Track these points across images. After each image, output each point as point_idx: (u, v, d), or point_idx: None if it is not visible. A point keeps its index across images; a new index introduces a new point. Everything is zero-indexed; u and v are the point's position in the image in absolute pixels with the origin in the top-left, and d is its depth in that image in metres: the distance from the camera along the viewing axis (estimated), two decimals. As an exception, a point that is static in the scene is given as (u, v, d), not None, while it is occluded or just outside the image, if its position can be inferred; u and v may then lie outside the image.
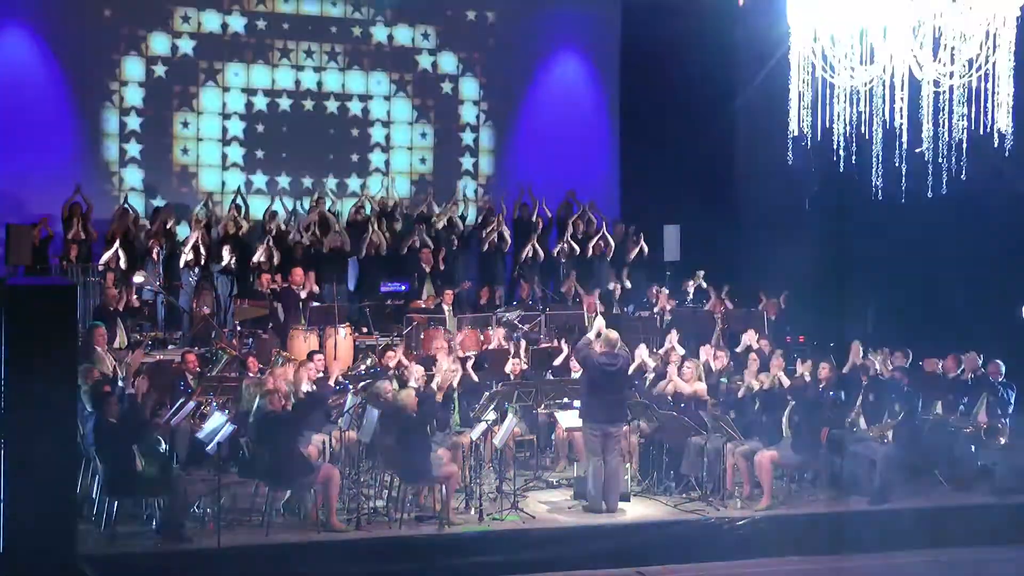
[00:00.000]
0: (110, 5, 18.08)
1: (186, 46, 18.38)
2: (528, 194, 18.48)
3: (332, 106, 19.00)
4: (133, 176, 18.18)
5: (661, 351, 13.64)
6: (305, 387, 11.92)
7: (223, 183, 18.48)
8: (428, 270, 16.90)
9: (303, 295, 15.41)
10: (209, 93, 18.50)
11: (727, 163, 19.78)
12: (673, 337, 13.84)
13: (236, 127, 18.61)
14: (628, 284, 17.49)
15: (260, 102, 18.66)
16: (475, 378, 12.99)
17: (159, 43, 18.27)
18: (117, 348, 13.84)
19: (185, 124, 18.41)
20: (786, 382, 12.31)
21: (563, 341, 14.24)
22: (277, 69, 18.70)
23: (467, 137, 19.69)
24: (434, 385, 12.00)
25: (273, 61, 18.67)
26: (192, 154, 18.46)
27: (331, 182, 18.79)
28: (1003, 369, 12.78)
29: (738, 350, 14.13)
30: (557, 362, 13.74)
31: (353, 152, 19.09)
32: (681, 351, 13.38)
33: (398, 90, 19.30)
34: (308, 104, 18.84)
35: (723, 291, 16.76)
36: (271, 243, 16.51)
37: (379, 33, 19.21)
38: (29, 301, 9.30)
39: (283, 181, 18.65)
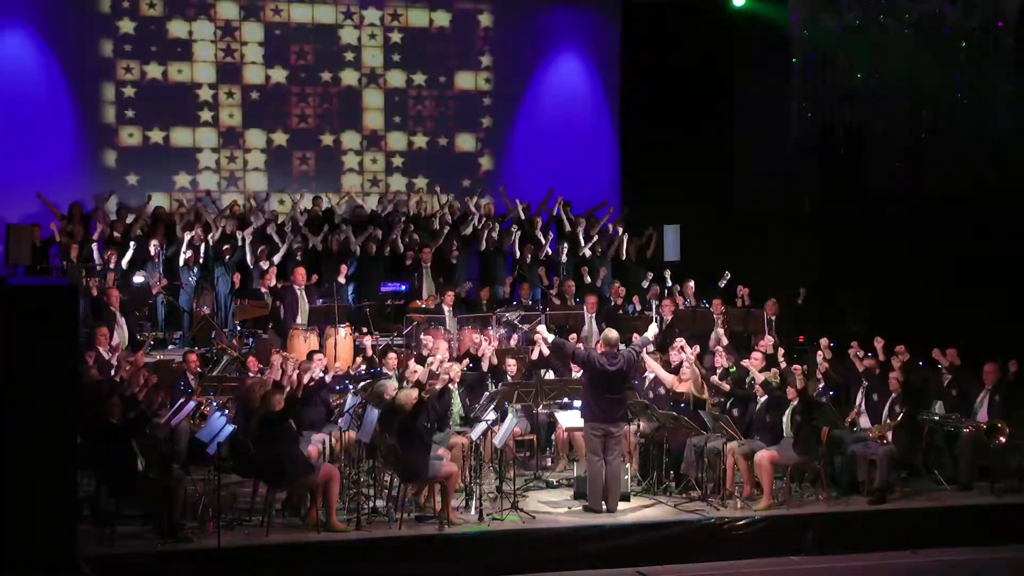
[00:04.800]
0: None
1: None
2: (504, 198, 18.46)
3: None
4: (132, 176, 18.17)
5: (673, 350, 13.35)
6: (318, 372, 12.04)
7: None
8: (428, 267, 16.81)
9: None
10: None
11: (727, 163, 19.79)
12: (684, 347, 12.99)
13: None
14: (650, 283, 17.30)
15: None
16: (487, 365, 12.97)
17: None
18: (118, 348, 13.84)
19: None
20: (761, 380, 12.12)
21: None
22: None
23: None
24: (436, 382, 11.95)
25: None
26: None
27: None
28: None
29: (753, 357, 12.78)
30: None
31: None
32: (689, 353, 13.03)
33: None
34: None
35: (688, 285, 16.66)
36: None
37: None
38: (29, 301, 9.31)
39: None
